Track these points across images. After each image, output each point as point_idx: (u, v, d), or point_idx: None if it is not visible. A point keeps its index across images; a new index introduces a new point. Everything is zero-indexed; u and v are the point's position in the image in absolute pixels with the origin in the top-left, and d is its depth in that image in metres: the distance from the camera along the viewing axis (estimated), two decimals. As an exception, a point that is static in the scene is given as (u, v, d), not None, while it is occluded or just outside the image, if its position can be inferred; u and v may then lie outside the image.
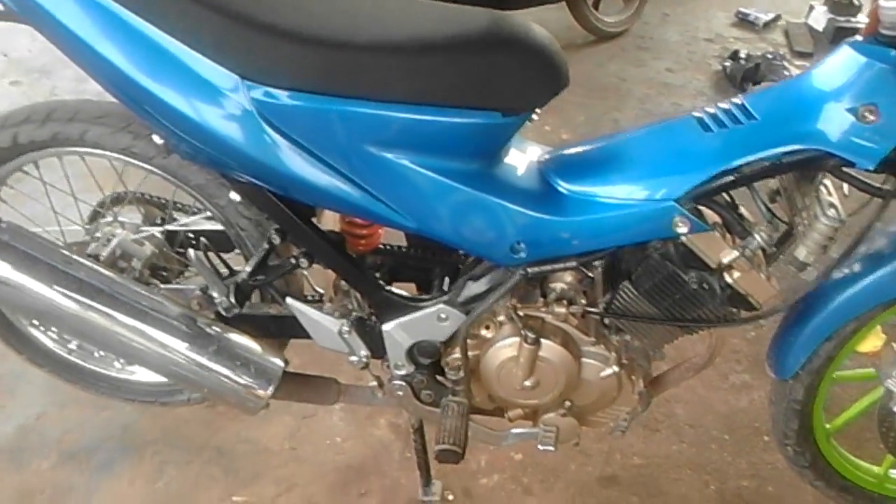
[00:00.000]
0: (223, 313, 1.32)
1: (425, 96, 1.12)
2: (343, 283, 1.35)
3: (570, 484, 1.67)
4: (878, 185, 1.19)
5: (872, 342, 1.40)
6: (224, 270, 1.36)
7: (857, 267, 1.31)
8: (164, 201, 1.48)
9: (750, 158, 1.16)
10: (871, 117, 1.10)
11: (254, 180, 1.20)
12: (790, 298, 1.27)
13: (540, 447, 1.37)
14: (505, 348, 1.31)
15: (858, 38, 1.15)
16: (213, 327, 1.31)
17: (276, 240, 1.29)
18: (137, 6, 1.10)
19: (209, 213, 1.41)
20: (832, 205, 1.20)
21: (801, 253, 1.22)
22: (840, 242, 1.21)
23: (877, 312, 1.33)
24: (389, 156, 1.16)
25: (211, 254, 1.32)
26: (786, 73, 3.41)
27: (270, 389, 1.32)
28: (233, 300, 1.30)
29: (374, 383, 1.42)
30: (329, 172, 1.17)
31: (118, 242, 1.39)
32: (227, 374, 1.29)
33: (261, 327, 1.37)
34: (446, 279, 1.42)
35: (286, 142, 1.14)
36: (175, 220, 1.48)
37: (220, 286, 1.29)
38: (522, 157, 1.28)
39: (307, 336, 1.38)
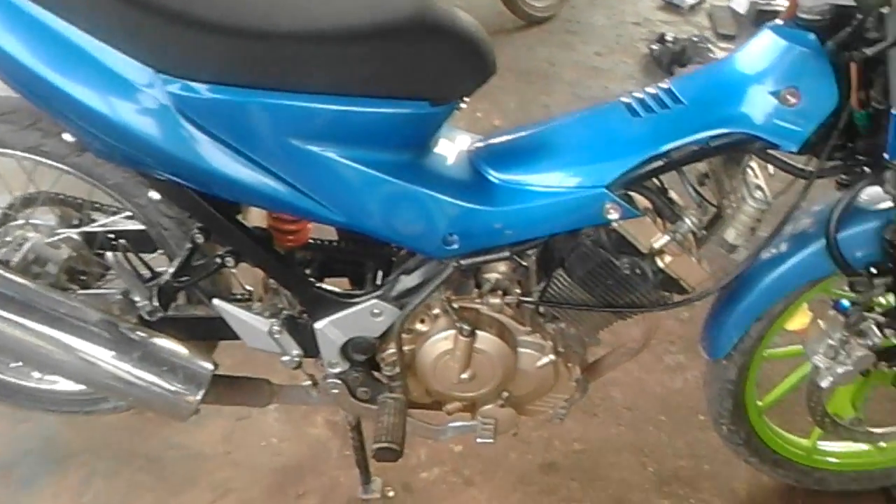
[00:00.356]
0: (147, 318, 1.27)
1: (351, 87, 1.09)
2: (272, 281, 1.31)
3: (511, 472, 1.67)
4: (801, 166, 1.21)
5: (800, 320, 1.43)
6: (146, 272, 1.30)
7: (783, 247, 1.33)
8: (80, 201, 1.41)
9: (678, 143, 1.16)
10: (793, 100, 1.12)
11: (174, 178, 1.15)
12: (721, 280, 1.28)
13: (479, 440, 1.36)
14: (440, 342, 1.29)
15: (779, 21, 1.17)
16: (137, 332, 1.26)
17: (200, 239, 1.24)
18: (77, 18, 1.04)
19: (129, 213, 1.35)
20: (759, 187, 1.22)
21: (730, 235, 1.24)
22: (767, 223, 1.23)
23: (804, 290, 1.36)
24: (315, 149, 1.12)
25: (132, 255, 1.26)
26: (711, 55, 3.47)
27: (200, 394, 1.27)
28: (156, 303, 1.24)
29: (309, 382, 1.39)
30: (253, 168, 1.12)
31: (31, 246, 1.32)
32: (154, 381, 1.24)
33: (187, 330, 1.32)
34: (379, 273, 1.39)
35: (206, 137, 1.10)
36: (93, 220, 1.41)
37: (141, 289, 1.24)
38: (452, 147, 1.26)
39: (237, 337, 1.34)
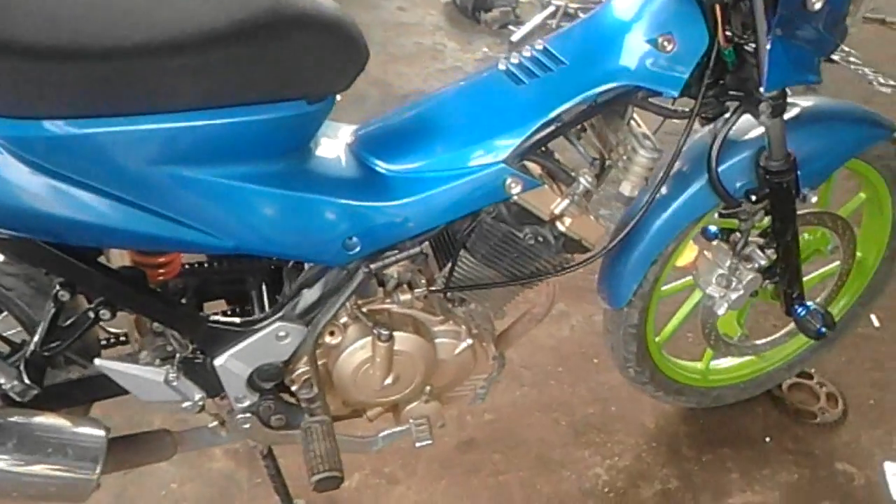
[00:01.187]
0: (17, 398, 1.08)
1: (218, 97, 0.96)
2: (155, 323, 1.16)
3: (432, 460, 1.63)
4: (678, 108, 1.23)
5: (687, 255, 1.47)
6: (1, 346, 1.11)
7: (665, 190, 1.35)
8: None
9: (568, 105, 1.14)
10: (669, 46, 1.12)
11: (20, 234, 0.97)
12: (620, 233, 1.29)
13: (417, 445, 1.30)
14: (357, 351, 1.21)
15: (644, -33, 1.16)
16: (7, 418, 1.07)
17: (66, 296, 1.06)
18: None
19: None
20: (646, 136, 1.22)
21: (626, 188, 1.23)
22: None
23: (690, 228, 1.40)
24: (188, 173, 0.99)
25: None
26: (511, -6, 3.49)
27: (98, 468, 1.10)
28: (27, 381, 1.06)
29: (215, 423, 1.26)
30: (120, 207, 0.97)
31: None
32: (41, 469, 1.06)
33: (63, 398, 1.15)
34: (263, 288, 1.28)
35: (55, 181, 0.93)
36: None
37: (5, 370, 1.05)
38: (331, 143, 1.16)
39: (123, 393, 1.18)
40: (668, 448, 1.69)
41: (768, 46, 1.11)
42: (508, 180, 1.14)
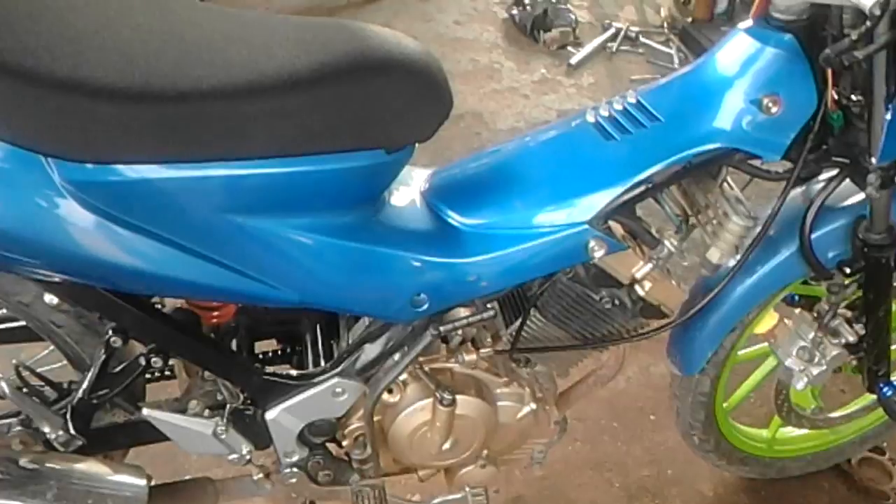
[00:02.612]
0: (60, 449, 1.02)
1: (294, 145, 0.89)
2: (206, 371, 1.10)
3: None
4: (776, 170, 1.14)
5: (767, 322, 1.38)
6: (48, 390, 1.05)
7: (752, 255, 1.26)
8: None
9: (661, 166, 1.05)
10: (775, 108, 1.03)
11: (79, 280, 0.91)
12: (702, 302, 1.20)
13: None
14: (416, 413, 1.13)
15: (750, 22, 1.07)
16: (45, 465, 1.01)
17: (118, 343, 1.00)
18: None
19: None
20: (739, 200, 1.13)
21: (715, 255, 1.15)
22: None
23: (774, 296, 1.30)
24: (256, 222, 0.93)
25: (26, 373, 1.01)
26: (571, 16, 3.42)
27: (139, 516, 1.05)
28: (73, 431, 1.00)
29: (260, 475, 1.19)
30: (183, 256, 0.91)
31: None
32: (79, 520, 1.00)
33: (105, 443, 1.09)
34: (317, 330, 1.21)
35: (120, 228, 0.87)
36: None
37: (51, 419, 0.99)
38: (405, 190, 1.09)
39: (166, 439, 1.12)
40: (728, 520, 1.60)
41: (888, 116, 1.02)
42: (592, 242, 1.06)
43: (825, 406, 1.56)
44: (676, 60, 3.20)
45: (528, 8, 3.48)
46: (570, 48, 3.29)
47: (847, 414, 1.60)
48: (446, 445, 1.16)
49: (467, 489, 1.23)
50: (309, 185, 0.93)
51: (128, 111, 0.80)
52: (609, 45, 3.31)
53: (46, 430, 0.99)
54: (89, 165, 0.82)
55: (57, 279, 0.91)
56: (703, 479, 1.66)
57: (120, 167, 0.83)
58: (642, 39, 3.33)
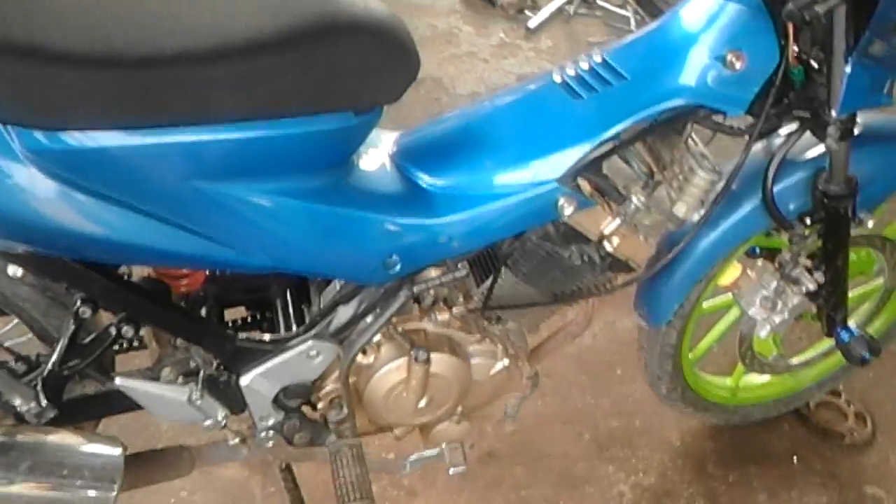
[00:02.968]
0: (32, 421, 1.01)
1: (261, 108, 0.88)
2: (178, 339, 1.09)
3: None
4: (737, 126, 1.15)
5: (731, 273, 1.40)
6: (17, 365, 1.03)
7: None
8: None
9: (628, 122, 1.06)
10: (739, 64, 1.04)
11: (44, 250, 0.90)
12: (668, 256, 1.22)
13: (451, 471, 1.25)
14: (391, 373, 1.14)
15: (716, -22, 1.08)
16: (18, 437, 1.00)
17: (87, 313, 0.99)
18: None
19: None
20: (703, 155, 1.15)
21: (681, 210, 1.16)
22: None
23: (738, 248, 1.33)
24: (224, 188, 0.91)
25: None
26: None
27: (116, 487, 1.04)
28: (44, 402, 0.99)
29: (236, 440, 1.19)
30: (148, 223, 0.90)
31: None
32: (57, 492, 1.00)
33: (77, 414, 1.08)
34: (287, 296, 1.21)
35: (85, 196, 0.85)
36: None
37: (23, 391, 0.98)
38: (373, 153, 1.09)
39: (139, 408, 1.11)
40: (694, 465, 1.65)
41: (848, 69, 1.03)
42: (561, 200, 1.07)
43: (785, 353, 1.61)
44: (633, 23, 3.19)
45: (486, -29, 3.43)
46: (527, 12, 3.26)
47: (806, 360, 1.65)
48: (422, 403, 1.18)
49: (444, 444, 1.25)
50: (277, 149, 0.92)
51: (90, 77, 0.78)
52: (566, 7, 3.28)
53: (17, 402, 0.98)
54: (51, 133, 0.80)
55: (20, 250, 0.89)
56: (670, 428, 1.71)
57: (83, 134, 0.81)
58: (599, 2, 3.31)
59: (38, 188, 0.82)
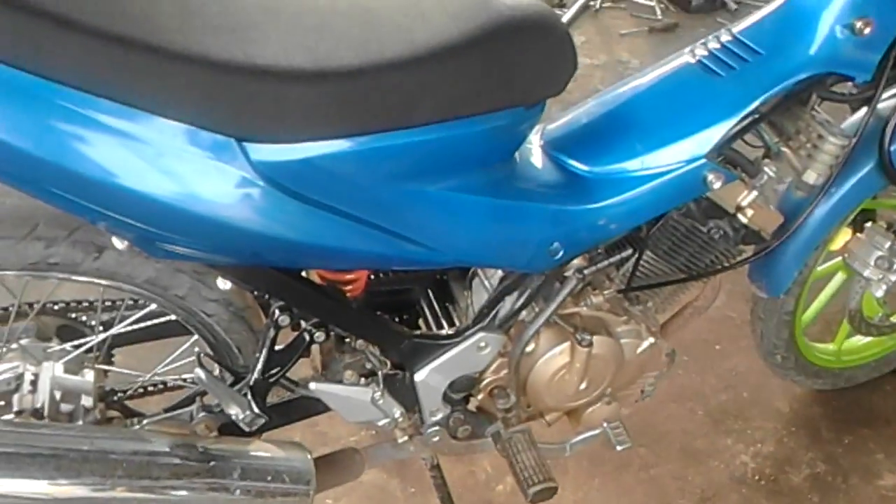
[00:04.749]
0: (246, 428, 1.04)
1: (454, 109, 0.93)
2: (357, 341, 1.13)
3: (581, 458, 1.60)
4: (852, 92, 1.20)
5: (842, 238, 1.45)
6: (223, 375, 1.07)
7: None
8: (75, 305, 1.14)
9: (767, 96, 1.11)
10: (867, 29, 1.09)
11: (256, 262, 0.94)
12: (796, 222, 1.26)
13: (619, 448, 1.28)
14: (555, 357, 1.18)
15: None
16: (223, 447, 1.04)
17: (286, 321, 1.03)
18: (68, 74, 0.77)
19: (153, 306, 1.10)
20: (829, 122, 1.20)
21: (811, 177, 1.21)
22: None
23: (853, 211, 1.38)
24: (418, 187, 0.96)
25: (206, 360, 1.03)
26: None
27: (312, 488, 1.08)
28: (256, 409, 1.02)
29: (405, 438, 1.23)
30: (358, 227, 0.93)
31: (52, 380, 1.03)
32: (262, 498, 1.03)
33: (281, 419, 1.13)
34: (430, 293, 1.26)
35: (304, 206, 0.89)
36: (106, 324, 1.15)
37: (240, 401, 1.01)
38: (528, 147, 1.13)
39: (325, 411, 1.15)
40: (808, 432, 1.69)
41: (971, 28, 1.09)
42: (710, 175, 1.11)
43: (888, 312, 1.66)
44: (658, 12, 3.26)
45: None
46: (556, 10, 3.32)
47: (908, 317, 1.69)
48: (582, 386, 1.22)
49: (605, 424, 1.29)
50: (462, 148, 0.96)
51: (312, 91, 0.83)
52: (592, 2, 3.35)
53: (234, 412, 1.01)
54: (279, 145, 0.84)
55: (223, 262, 0.94)
56: (777, 397, 1.75)
57: (306, 145, 0.85)
58: (632, -10, 3.39)
59: (265, 201, 0.86)
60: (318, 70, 0.82)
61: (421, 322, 1.27)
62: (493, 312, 1.15)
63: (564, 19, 3.22)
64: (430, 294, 1.28)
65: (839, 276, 1.59)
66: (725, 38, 1.15)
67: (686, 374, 1.80)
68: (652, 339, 1.27)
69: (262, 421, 1.04)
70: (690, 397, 1.75)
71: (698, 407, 1.73)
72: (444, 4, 0.95)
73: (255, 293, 1.09)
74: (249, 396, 1.03)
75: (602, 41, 3.11)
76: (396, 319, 1.30)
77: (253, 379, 1.04)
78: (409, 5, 0.95)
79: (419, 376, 1.14)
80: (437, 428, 1.22)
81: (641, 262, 1.21)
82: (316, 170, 0.87)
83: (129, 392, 1.21)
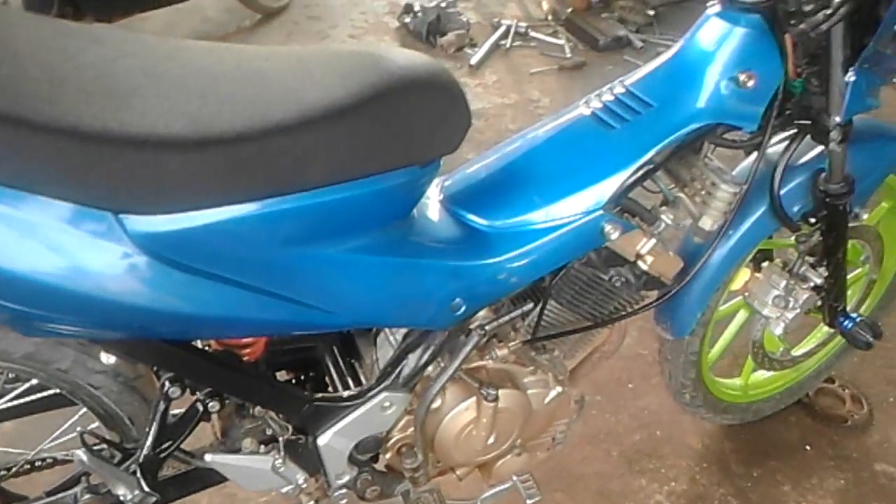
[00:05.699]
0: (132, 508, 0.99)
1: (347, 170, 0.91)
2: (253, 408, 1.09)
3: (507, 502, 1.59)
4: (746, 139, 1.24)
5: (741, 278, 1.49)
6: (108, 452, 1.01)
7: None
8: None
9: (660, 147, 1.13)
10: (751, 82, 1.13)
11: (145, 335, 0.89)
12: (697, 266, 1.29)
13: (529, 502, 1.27)
14: (461, 413, 1.17)
15: (718, 6, 1.17)
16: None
17: (176, 392, 0.98)
18: None
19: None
20: (722, 170, 1.23)
21: (707, 223, 1.24)
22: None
23: (749, 253, 1.42)
24: (314, 251, 0.94)
25: (88, 437, 0.97)
26: (462, 18, 3.50)
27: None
28: (146, 487, 0.97)
29: (311, 503, 1.19)
30: (246, 295, 0.90)
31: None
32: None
33: (173, 494, 1.07)
34: (335, 350, 1.23)
35: (190, 276, 0.85)
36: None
37: (127, 480, 0.96)
38: (426, 203, 1.12)
39: (221, 482, 1.10)
40: (719, 467, 1.71)
41: (851, 78, 1.14)
42: (607, 227, 1.12)
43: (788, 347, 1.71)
44: (567, 50, 3.34)
45: (419, 15, 3.54)
46: (467, 50, 3.37)
47: (807, 351, 1.75)
48: (490, 440, 1.20)
49: (515, 478, 1.28)
50: (356, 208, 0.94)
51: (188, 159, 0.80)
52: (502, 42, 3.41)
53: (121, 492, 0.95)
54: (160, 217, 0.81)
55: (110, 337, 0.89)
56: (689, 433, 1.77)
57: (189, 214, 0.82)
58: (532, 34, 3.46)
59: (146, 273, 0.82)
60: (200, 137, 0.79)
61: (327, 379, 1.24)
62: (397, 371, 1.13)
63: (475, 59, 3.30)
64: (336, 351, 1.25)
65: (742, 314, 1.62)
66: (618, 90, 1.17)
67: (600, 414, 1.81)
68: (559, 388, 1.27)
69: (154, 499, 0.98)
70: (605, 438, 1.76)
71: (613, 448, 1.74)
72: (335, 65, 0.94)
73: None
74: (139, 474, 0.98)
75: (513, 80, 3.16)
76: (302, 377, 1.27)
77: (143, 455, 0.99)
78: (299, 67, 0.93)
79: (322, 440, 1.11)
80: (344, 490, 1.19)
81: (546, 311, 1.21)
82: (199, 239, 0.84)
83: (13, 470, 1.13)
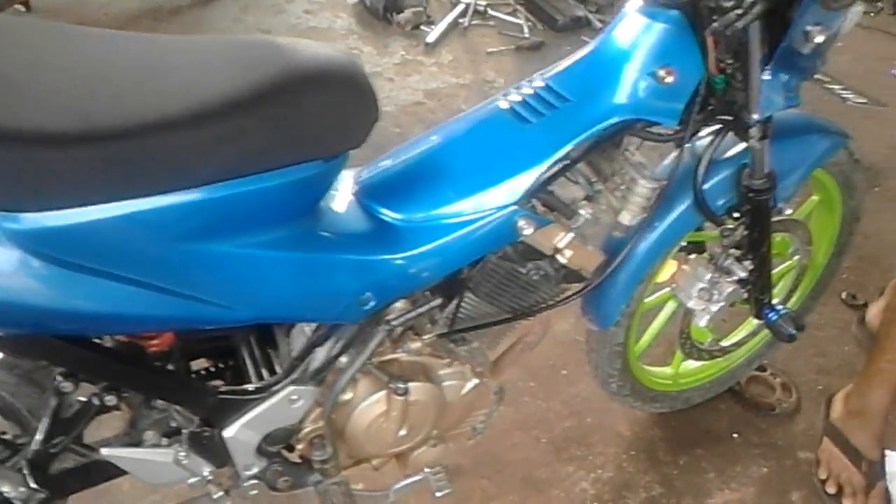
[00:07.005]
0: (21, 505, 0.97)
1: (240, 166, 0.89)
2: (156, 400, 1.07)
3: (422, 491, 1.58)
4: (669, 134, 1.23)
5: (667, 270, 1.49)
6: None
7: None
8: None
9: (576, 142, 1.13)
10: (669, 78, 1.12)
11: (22, 331, 0.87)
12: (616, 261, 1.29)
13: (438, 494, 1.27)
14: (371, 406, 1.16)
15: (638, 1, 1.15)
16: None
17: (69, 387, 0.96)
18: None
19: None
20: (642, 164, 1.23)
21: (626, 217, 1.24)
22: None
23: (673, 246, 1.42)
24: (208, 247, 0.92)
25: None
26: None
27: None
28: (33, 485, 0.95)
29: (220, 494, 1.18)
30: (137, 291, 0.89)
31: None
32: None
33: (64, 491, 1.05)
34: (251, 340, 1.21)
35: (69, 272, 0.83)
36: None
37: (11, 477, 0.94)
38: (336, 194, 1.11)
39: (122, 475, 1.09)
40: (647, 455, 1.73)
41: (767, 76, 1.13)
42: (521, 222, 1.12)
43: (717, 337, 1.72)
44: (526, 30, 3.31)
45: (376, -8, 3.47)
46: (423, 27, 3.32)
47: (736, 341, 1.76)
48: (402, 432, 1.20)
49: (426, 470, 1.28)
50: (255, 204, 0.92)
51: (71, 155, 0.77)
52: (460, 20, 3.37)
53: (6, 489, 0.94)
54: (35, 213, 0.78)
55: (5, 332, 0.87)
56: (619, 421, 1.79)
57: (67, 211, 0.79)
58: (491, 12, 3.42)
59: (24, 270, 0.80)
60: (80, 133, 0.77)
61: (245, 370, 1.23)
62: (305, 364, 1.12)
63: (431, 38, 3.25)
64: (252, 341, 1.23)
65: (670, 305, 1.63)
66: (537, 84, 1.16)
67: (532, 400, 1.82)
68: (476, 380, 1.27)
69: (42, 496, 0.97)
70: (535, 425, 1.77)
71: (543, 434, 1.75)
72: (237, 57, 0.92)
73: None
74: (26, 470, 0.96)
75: (469, 60, 3.13)
76: (221, 366, 1.26)
77: (31, 451, 0.97)
78: (199, 58, 0.91)
79: (228, 433, 1.10)
80: (254, 482, 1.18)
81: (465, 304, 1.21)
82: (85, 237, 0.82)
83: None
